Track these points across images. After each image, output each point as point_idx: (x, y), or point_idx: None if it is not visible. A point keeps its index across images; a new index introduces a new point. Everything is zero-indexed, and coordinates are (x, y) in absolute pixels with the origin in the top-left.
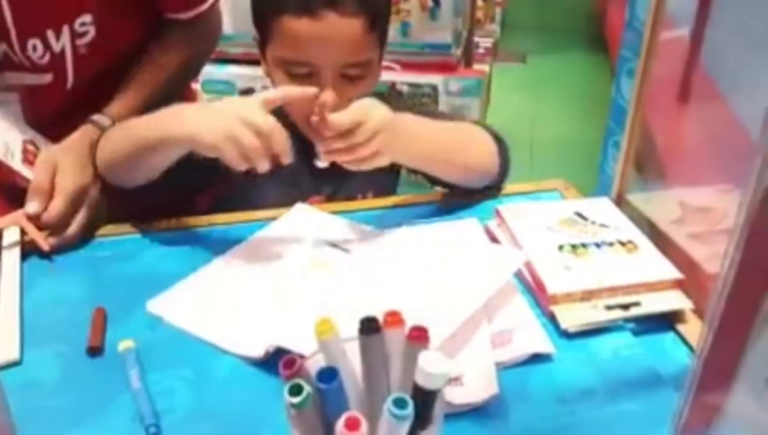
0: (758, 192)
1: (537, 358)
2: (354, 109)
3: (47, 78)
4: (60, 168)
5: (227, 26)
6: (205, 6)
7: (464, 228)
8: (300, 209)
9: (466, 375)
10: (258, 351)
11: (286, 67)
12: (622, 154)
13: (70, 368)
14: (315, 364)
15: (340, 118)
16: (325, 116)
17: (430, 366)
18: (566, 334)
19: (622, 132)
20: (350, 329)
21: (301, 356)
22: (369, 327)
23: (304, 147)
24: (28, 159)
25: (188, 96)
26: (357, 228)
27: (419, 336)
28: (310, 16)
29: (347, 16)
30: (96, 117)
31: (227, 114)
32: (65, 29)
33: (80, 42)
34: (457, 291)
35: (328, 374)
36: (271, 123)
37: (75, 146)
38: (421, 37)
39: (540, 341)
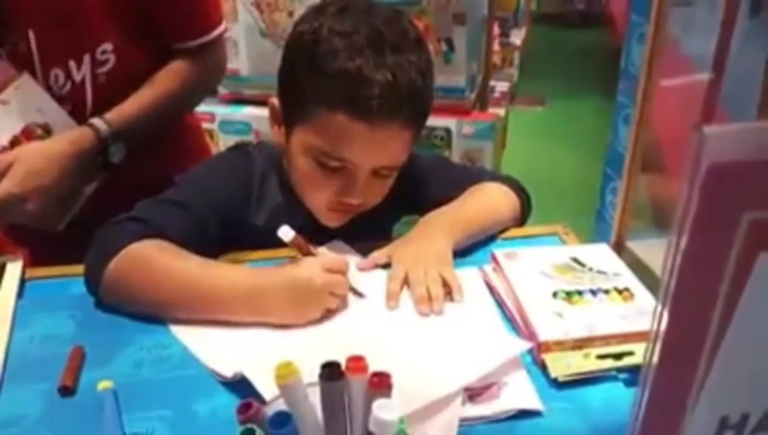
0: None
1: (525, 410)
2: (396, 278)
3: (66, 108)
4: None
5: (244, 68)
6: (208, 38)
7: (479, 303)
8: (336, 244)
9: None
10: (227, 372)
11: (318, 156)
12: (620, 201)
13: (49, 407)
14: (275, 407)
15: (394, 289)
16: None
17: (383, 413)
18: (556, 383)
19: (620, 178)
20: None
21: (262, 401)
22: (330, 372)
23: (309, 216)
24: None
25: (192, 127)
26: (379, 273)
27: (380, 383)
28: (368, 121)
29: (402, 127)
30: (95, 120)
31: (317, 292)
32: (86, 58)
33: (100, 71)
34: (446, 366)
35: (281, 420)
36: (342, 280)
37: (50, 148)
38: (435, 81)
39: (528, 397)
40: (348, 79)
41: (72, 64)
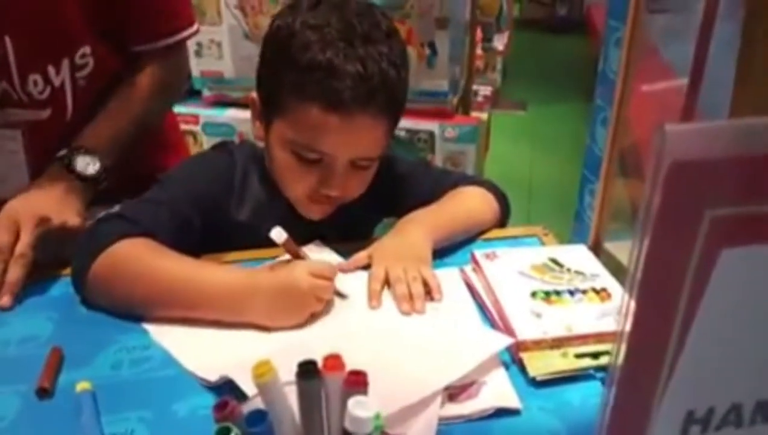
0: (646, 232)
1: (503, 409)
2: (376, 277)
3: (45, 113)
4: (22, 225)
5: (228, 71)
6: (177, 38)
7: (459, 303)
8: (316, 245)
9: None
10: (211, 376)
11: (296, 149)
12: (597, 202)
13: (26, 409)
14: (253, 406)
15: (375, 288)
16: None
17: (358, 410)
18: (534, 382)
19: (598, 180)
20: None
21: (243, 399)
22: (306, 371)
23: (291, 211)
24: None
25: (169, 130)
26: (360, 274)
27: (356, 381)
28: (341, 113)
29: (375, 117)
30: (62, 153)
31: (303, 296)
32: (65, 63)
33: (79, 74)
34: (426, 366)
35: (257, 418)
36: (329, 285)
37: (39, 192)
38: (418, 85)
39: (507, 396)
40: (319, 72)
41: (51, 69)
